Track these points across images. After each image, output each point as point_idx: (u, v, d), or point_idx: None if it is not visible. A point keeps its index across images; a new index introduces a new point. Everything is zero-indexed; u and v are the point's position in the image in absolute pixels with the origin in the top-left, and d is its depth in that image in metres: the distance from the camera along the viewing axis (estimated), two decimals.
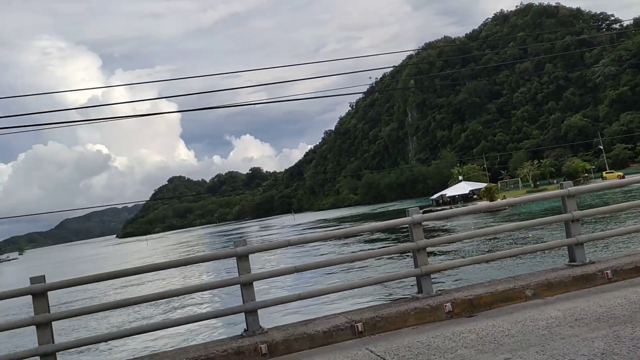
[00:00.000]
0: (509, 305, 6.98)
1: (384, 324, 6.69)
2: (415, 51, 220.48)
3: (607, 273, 7.26)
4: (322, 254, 46.05)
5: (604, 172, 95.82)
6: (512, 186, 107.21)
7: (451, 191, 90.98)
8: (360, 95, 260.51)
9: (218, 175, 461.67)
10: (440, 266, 7.62)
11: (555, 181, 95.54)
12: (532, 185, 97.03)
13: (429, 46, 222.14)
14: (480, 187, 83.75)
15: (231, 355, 6.25)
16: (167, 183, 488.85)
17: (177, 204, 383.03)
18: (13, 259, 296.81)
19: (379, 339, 6.39)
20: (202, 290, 7.02)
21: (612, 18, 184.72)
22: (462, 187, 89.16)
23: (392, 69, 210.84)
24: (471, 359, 5.17)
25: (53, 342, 6.16)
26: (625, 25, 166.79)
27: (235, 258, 6.80)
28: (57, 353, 6.18)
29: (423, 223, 7.48)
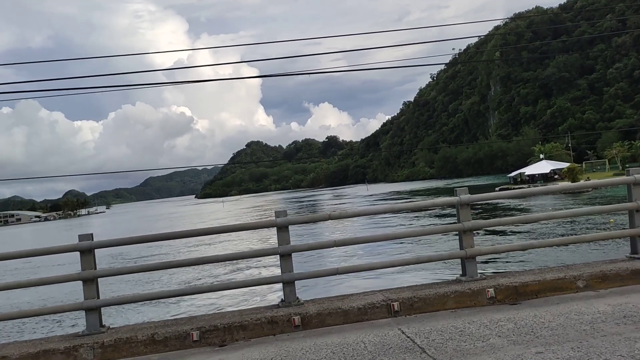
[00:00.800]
0: (557, 296, 6.62)
1: (421, 305, 6.53)
2: (503, 21, 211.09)
3: None
4: (388, 226, 45.91)
5: None
6: (598, 167, 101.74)
7: (530, 170, 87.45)
8: (442, 67, 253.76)
9: (295, 142, 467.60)
10: (486, 249, 7.31)
11: None
12: (620, 167, 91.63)
13: (518, 16, 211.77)
14: (563, 166, 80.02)
15: (264, 324, 6.32)
16: (245, 147, 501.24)
17: (253, 169, 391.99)
18: (101, 212, 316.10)
19: (414, 320, 6.26)
20: (241, 259, 7.11)
21: None
22: (542, 166, 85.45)
23: (477, 39, 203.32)
24: (502, 349, 4.95)
25: (98, 298, 6.45)
26: None
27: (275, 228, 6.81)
28: (101, 308, 6.47)
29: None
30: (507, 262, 21.53)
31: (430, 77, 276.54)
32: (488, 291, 6.58)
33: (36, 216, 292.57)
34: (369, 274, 18.90)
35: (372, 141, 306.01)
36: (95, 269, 6.39)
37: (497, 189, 77.14)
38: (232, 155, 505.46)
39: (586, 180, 67.48)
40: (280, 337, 6.20)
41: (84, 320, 6.31)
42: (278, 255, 6.85)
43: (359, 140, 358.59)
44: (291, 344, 5.86)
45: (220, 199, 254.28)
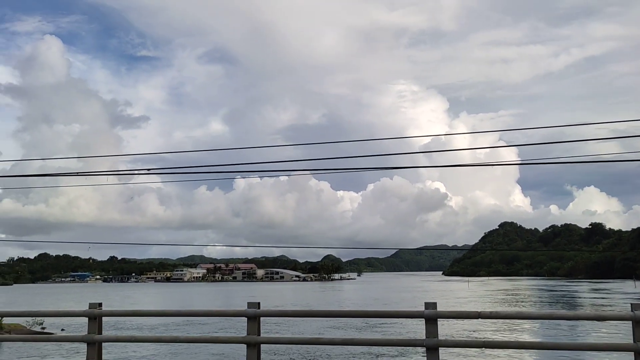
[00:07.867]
0: None
1: None
2: None
3: None
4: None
5: None
6: None
7: None
8: None
9: (553, 226, 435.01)
10: None
11: None
12: None
13: None
14: None
15: None
16: (497, 227, 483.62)
17: (505, 250, 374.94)
18: (351, 279, 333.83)
19: None
20: (379, 345, 7.37)
21: None
22: None
23: None
24: None
25: None
26: None
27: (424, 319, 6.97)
28: None
29: None
30: None
31: None
32: None
33: (296, 276, 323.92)
34: None
35: None
36: (259, 334, 7.31)
37: None
38: (483, 235, 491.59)
39: None
40: None
41: None
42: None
43: (630, 229, 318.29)
44: None
45: (466, 278, 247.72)
